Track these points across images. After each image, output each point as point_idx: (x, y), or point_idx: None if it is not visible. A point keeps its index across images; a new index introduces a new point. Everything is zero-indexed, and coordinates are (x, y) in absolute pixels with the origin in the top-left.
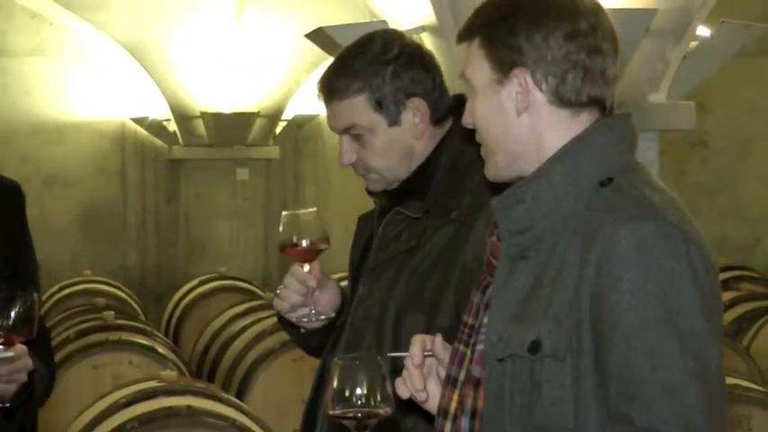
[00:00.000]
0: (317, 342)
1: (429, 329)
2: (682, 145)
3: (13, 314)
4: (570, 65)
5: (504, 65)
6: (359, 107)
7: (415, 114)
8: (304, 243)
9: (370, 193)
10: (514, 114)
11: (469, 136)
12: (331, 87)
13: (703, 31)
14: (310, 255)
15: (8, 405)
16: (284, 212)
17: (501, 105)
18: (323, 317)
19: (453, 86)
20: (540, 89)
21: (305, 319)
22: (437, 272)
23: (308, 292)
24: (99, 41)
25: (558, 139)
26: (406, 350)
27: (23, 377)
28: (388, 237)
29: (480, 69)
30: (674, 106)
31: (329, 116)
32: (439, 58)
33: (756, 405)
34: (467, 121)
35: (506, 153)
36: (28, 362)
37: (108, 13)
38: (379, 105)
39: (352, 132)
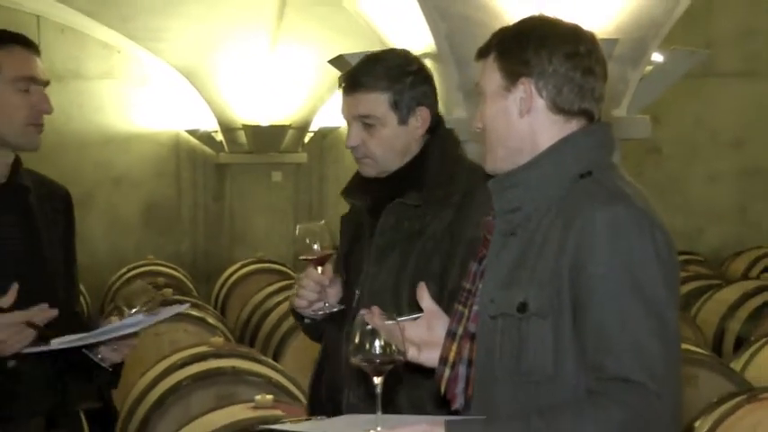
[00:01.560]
0: (323, 328)
1: (441, 294)
2: (639, 151)
3: (138, 306)
4: (567, 80)
5: (513, 75)
6: (379, 102)
7: (418, 120)
8: (317, 249)
9: (345, 196)
10: (517, 116)
11: (451, 139)
12: (361, 80)
13: (657, 56)
14: (323, 259)
15: (110, 369)
16: (299, 225)
17: (507, 108)
18: (335, 309)
19: (450, 101)
20: (541, 96)
21: (320, 312)
22: (443, 246)
23: (322, 290)
24: (159, 66)
25: (550, 139)
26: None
27: (127, 351)
28: (387, 225)
29: (492, 79)
30: (632, 119)
31: (349, 104)
32: (437, 79)
33: (702, 366)
34: (476, 124)
35: (507, 148)
36: (134, 340)
37: (166, 43)
38: (395, 105)
39: (366, 121)
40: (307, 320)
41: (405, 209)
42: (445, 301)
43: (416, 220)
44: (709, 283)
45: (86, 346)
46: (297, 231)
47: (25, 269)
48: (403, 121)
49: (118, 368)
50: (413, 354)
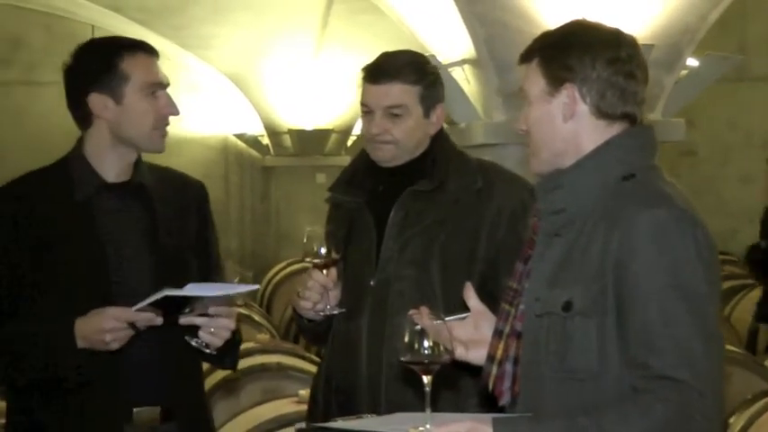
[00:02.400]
0: (324, 328)
1: (470, 275)
2: (674, 154)
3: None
4: (610, 85)
5: (556, 80)
6: (411, 93)
7: (435, 117)
8: (323, 253)
9: (334, 193)
10: (561, 120)
11: (450, 139)
12: (393, 72)
13: (691, 61)
14: (328, 263)
15: (215, 353)
16: (307, 228)
17: (551, 113)
18: (335, 312)
19: (489, 105)
20: (585, 102)
21: (321, 313)
22: (469, 230)
23: (325, 293)
24: (208, 73)
25: (593, 142)
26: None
27: (227, 334)
28: (398, 216)
29: (536, 83)
30: (667, 122)
31: (378, 94)
32: (476, 84)
33: (736, 364)
34: (520, 126)
35: (551, 151)
36: (231, 323)
37: (215, 50)
38: (422, 99)
39: (394, 111)
40: (306, 321)
41: (417, 197)
42: (476, 283)
43: (436, 209)
44: (743, 283)
45: (186, 333)
46: (305, 234)
47: (144, 268)
48: (426, 114)
49: (229, 355)
50: (461, 352)
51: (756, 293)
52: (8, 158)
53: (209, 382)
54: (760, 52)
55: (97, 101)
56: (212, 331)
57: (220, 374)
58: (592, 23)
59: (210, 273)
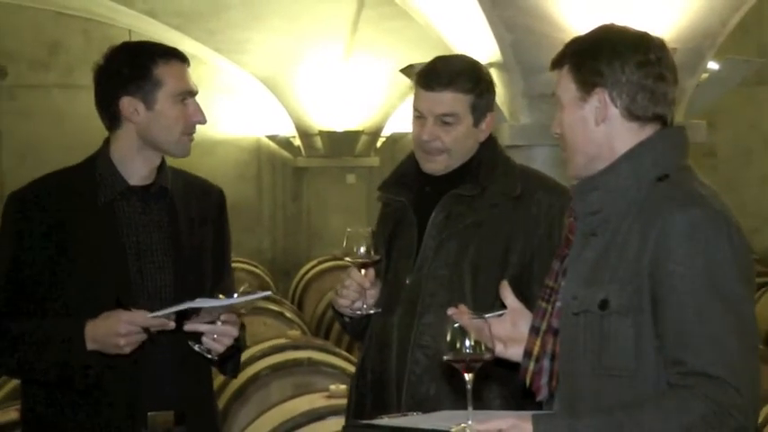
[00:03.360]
0: (364, 326)
1: (501, 279)
2: (695, 155)
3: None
4: (640, 88)
5: (587, 85)
6: (463, 102)
7: (485, 125)
8: (362, 253)
9: (383, 192)
10: (593, 124)
11: (498, 144)
12: (451, 79)
13: (712, 65)
14: (367, 263)
15: (216, 359)
16: (348, 229)
17: (583, 117)
18: (372, 311)
19: (515, 108)
20: (616, 105)
21: (357, 312)
22: (504, 234)
23: (362, 292)
24: (241, 77)
25: (626, 144)
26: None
27: (229, 341)
28: (439, 217)
29: (568, 89)
30: (689, 124)
31: (431, 101)
32: (502, 87)
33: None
34: (555, 130)
35: (585, 155)
36: (234, 330)
37: (249, 55)
38: (473, 108)
39: (446, 120)
40: (346, 319)
41: (459, 201)
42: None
43: (474, 212)
44: (764, 281)
45: (190, 338)
46: (346, 235)
47: (164, 270)
48: (476, 123)
49: (231, 361)
50: (500, 349)
51: None
52: (47, 159)
53: (241, 378)
54: None
55: (128, 104)
56: (215, 338)
57: (252, 370)
58: (620, 28)
59: (223, 277)
